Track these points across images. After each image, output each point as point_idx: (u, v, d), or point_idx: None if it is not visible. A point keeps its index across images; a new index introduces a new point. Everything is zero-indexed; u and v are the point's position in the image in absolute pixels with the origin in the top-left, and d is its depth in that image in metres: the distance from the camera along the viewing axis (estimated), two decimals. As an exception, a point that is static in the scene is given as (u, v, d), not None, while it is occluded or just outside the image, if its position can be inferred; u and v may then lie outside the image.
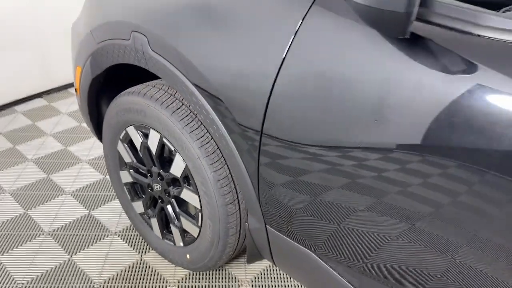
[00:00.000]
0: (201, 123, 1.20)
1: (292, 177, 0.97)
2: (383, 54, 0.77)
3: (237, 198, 1.23)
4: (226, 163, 1.19)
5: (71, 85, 2.96)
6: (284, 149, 0.95)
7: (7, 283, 1.46)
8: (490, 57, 0.71)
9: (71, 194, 1.90)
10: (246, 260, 1.32)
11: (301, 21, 0.88)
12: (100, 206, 1.83)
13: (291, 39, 0.89)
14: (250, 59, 0.97)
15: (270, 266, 1.56)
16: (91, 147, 2.26)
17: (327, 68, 0.85)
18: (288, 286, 1.49)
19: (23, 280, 1.47)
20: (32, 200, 1.86)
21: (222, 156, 1.19)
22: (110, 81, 1.52)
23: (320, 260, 1.02)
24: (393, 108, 0.77)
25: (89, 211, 1.80)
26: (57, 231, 1.69)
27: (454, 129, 0.72)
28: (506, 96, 0.68)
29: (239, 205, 1.24)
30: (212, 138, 1.19)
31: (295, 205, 1.00)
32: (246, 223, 1.20)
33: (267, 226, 1.11)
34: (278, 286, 1.49)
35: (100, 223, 1.74)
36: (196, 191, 1.27)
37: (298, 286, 1.48)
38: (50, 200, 1.86)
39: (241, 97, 1.00)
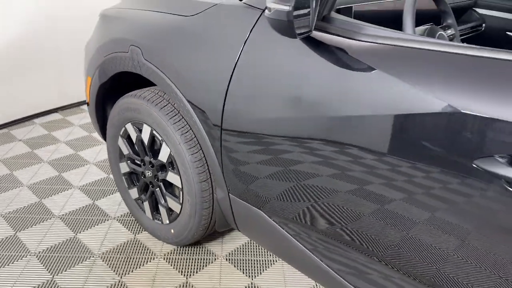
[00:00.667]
0: (182, 117, 1.53)
1: (242, 156, 1.28)
2: (294, 54, 1.09)
3: (210, 177, 1.54)
4: (200, 148, 1.50)
5: (83, 102, 3.34)
6: (236, 137, 1.27)
7: (22, 252, 1.76)
8: (370, 56, 1.03)
9: (79, 188, 2.22)
10: (216, 226, 1.61)
11: (242, 45, 1.21)
12: (102, 198, 2.15)
13: (239, 54, 1.22)
14: (210, 69, 1.31)
15: (243, 245, 1.84)
16: (98, 152, 2.59)
17: (261, 72, 1.18)
18: (258, 261, 1.76)
19: (35, 251, 1.77)
20: (46, 192, 2.18)
21: (198, 142, 1.50)
22: (114, 89, 1.86)
23: (267, 217, 1.31)
24: (302, 97, 1.09)
25: (93, 201, 2.12)
26: (65, 216, 2.00)
27: (340, 112, 1.03)
28: (384, 86, 0.98)
29: (211, 183, 1.54)
30: (190, 128, 1.51)
31: (247, 175, 1.31)
32: (215, 194, 1.50)
33: (230, 194, 1.41)
34: (250, 260, 1.76)
35: (102, 210, 2.05)
36: (178, 172, 1.58)
37: (267, 261, 1.75)
38: (61, 192, 2.18)
39: (207, 99, 1.34)
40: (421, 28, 1.30)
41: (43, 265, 1.69)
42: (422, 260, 0.99)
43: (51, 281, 1.62)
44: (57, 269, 1.68)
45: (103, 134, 2.00)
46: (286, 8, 0.91)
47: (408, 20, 1.19)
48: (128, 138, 1.78)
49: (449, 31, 1.42)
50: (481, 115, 0.82)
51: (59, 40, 3.07)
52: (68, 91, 3.23)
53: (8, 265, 1.69)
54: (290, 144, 1.14)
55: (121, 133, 1.78)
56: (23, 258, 1.73)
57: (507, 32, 2.03)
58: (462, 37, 1.99)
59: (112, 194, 2.18)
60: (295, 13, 0.92)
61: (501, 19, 2.04)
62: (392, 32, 1.03)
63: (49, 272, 1.66)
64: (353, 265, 1.16)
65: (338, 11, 1.34)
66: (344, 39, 1.05)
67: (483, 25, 2.06)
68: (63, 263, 1.71)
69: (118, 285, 1.62)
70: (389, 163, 0.97)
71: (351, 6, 1.39)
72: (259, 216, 1.34)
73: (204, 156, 1.51)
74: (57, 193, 2.17)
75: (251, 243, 1.86)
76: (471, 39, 2.01)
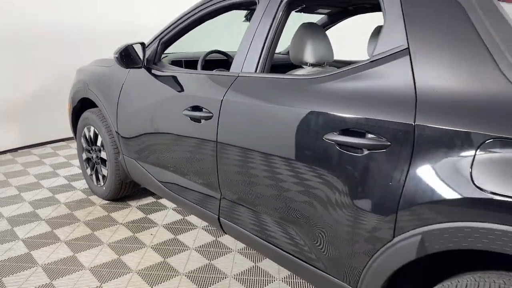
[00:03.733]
0: (106, 120, 2.84)
1: (125, 135, 2.56)
2: (141, 80, 2.40)
3: (120, 150, 2.81)
4: (113, 135, 2.79)
5: (83, 135, 4.76)
6: (122, 137, 2.56)
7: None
8: (167, 78, 2.31)
9: (65, 178, 3.53)
10: (122, 179, 2.84)
11: (124, 79, 2.55)
12: (79, 180, 3.44)
13: (121, 86, 2.55)
14: (112, 96, 2.62)
15: (152, 201, 3.04)
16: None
17: (126, 93, 2.49)
18: (159, 208, 2.94)
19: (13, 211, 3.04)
20: (35, 187, 3.50)
21: (112, 132, 2.80)
22: (82, 109, 3.23)
23: (137, 163, 2.54)
24: (140, 103, 2.38)
25: (63, 184, 3.41)
26: (44, 190, 3.29)
27: (152, 104, 2.30)
28: (169, 91, 2.24)
29: (121, 154, 2.81)
30: (109, 125, 2.81)
31: (127, 143, 2.57)
32: (119, 158, 2.76)
33: (124, 155, 2.67)
34: (154, 208, 2.94)
35: (72, 186, 3.33)
36: (105, 150, 2.86)
37: (164, 208, 2.93)
38: (51, 184, 3.49)
39: (111, 114, 2.65)
40: (216, 70, 2.58)
41: None
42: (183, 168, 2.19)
43: None
44: None
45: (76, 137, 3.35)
46: (116, 55, 2.24)
47: (199, 64, 2.50)
48: (85, 137, 3.11)
49: (236, 71, 2.73)
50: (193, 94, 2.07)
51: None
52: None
53: None
54: (139, 130, 2.40)
55: (82, 134, 3.12)
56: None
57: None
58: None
59: (82, 180, 3.47)
60: (124, 57, 2.26)
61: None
62: (181, 68, 2.33)
63: None
64: (173, 182, 2.35)
65: (173, 62, 2.68)
66: (159, 71, 2.35)
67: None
68: None
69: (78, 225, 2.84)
70: (179, 131, 2.21)
71: (182, 60, 2.74)
72: (134, 164, 2.58)
73: (115, 139, 2.79)
74: (45, 186, 3.49)
75: (158, 202, 3.06)
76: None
